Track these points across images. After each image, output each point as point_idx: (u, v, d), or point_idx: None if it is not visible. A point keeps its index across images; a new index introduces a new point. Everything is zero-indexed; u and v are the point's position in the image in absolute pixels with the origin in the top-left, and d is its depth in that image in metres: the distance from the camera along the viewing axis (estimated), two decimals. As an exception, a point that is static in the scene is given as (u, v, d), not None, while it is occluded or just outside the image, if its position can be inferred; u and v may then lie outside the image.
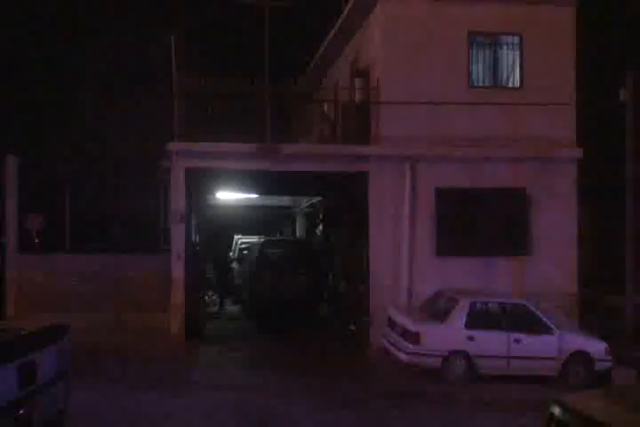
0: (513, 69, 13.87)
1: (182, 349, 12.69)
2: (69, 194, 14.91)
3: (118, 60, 20.47)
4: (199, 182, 14.54)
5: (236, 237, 23.57)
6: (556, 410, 6.09)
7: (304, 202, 21.62)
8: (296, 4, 14.71)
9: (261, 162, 13.39)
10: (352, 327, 14.65)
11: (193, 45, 16.30)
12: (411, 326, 10.99)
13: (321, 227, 20.46)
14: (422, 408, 9.54)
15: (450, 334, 10.90)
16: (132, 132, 19.46)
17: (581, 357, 10.96)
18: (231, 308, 18.78)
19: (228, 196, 20.42)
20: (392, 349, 11.48)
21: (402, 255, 13.30)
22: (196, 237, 15.49)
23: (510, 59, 13.86)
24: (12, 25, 19.79)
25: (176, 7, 20.30)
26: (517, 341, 10.83)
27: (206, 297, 17.74)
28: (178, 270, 13.19)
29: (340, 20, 15.31)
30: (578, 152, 13.70)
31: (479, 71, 13.81)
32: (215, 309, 18.19)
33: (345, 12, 14.79)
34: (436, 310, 11.56)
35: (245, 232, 24.12)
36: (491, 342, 10.85)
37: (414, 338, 10.75)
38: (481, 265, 13.30)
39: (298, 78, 19.95)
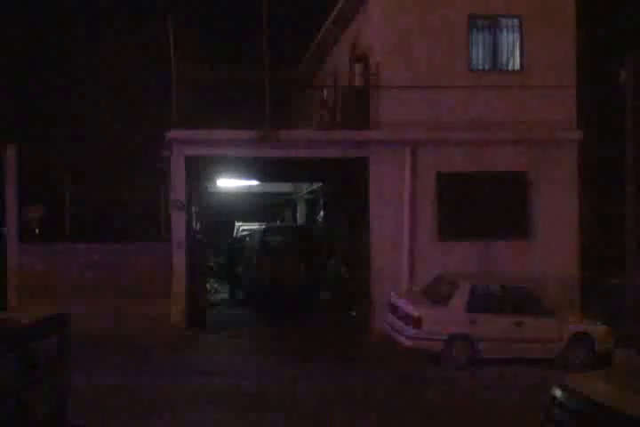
0: (513, 52, 13.77)
1: (183, 336, 12.74)
2: (69, 183, 14.87)
3: (116, 46, 20.32)
4: (199, 170, 14.48)
5: (237, 224, 23.57)
6: (558, 392, 6.10)
7: (305, 188, 21.56)
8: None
9: (261, 148, 13.34)
10: (353, 313, 14.67)
11: (191, 32, 16.17)
12: (412, 310, 11.01)
13: (322, 213, 20.42)
14: (424, 392, 9.56)
15: (451, 318, 10.92)
16: (132, 119, 19.36)
17: (582, 338, 10.99)
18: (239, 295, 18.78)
19: (228, 183, 20.36)
20: (394, 333, 11.50)
21: (403, 240, 13.29)
22: (196, 225, 15.46)
23: (510, 41, 13.75)
24: (9, 12, 19.66)
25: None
26: (519, 323, 10.85)
27: (207, 285, 17.73)
28: (178, 258, 13.21)
29: (338, 5, 15.18)
30: (578, 134, 13.64)
31: (479, 54, 13.71)
32: (226, 296, 18.21)
33: (343, -4, 14.67)
34: (438, 294, 11.56)
35: (246, 219, 24.10)
36: (492, 326, 10.86)
37: (416, 322, 10.77)
38: (482, 249, 13.29)
39: (297, 64, 19.86)
